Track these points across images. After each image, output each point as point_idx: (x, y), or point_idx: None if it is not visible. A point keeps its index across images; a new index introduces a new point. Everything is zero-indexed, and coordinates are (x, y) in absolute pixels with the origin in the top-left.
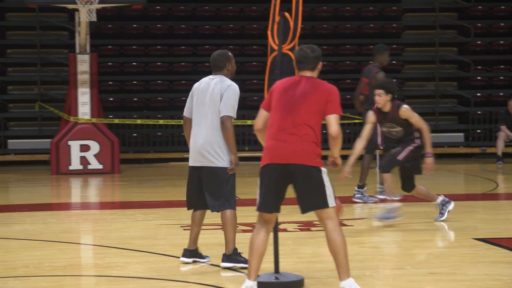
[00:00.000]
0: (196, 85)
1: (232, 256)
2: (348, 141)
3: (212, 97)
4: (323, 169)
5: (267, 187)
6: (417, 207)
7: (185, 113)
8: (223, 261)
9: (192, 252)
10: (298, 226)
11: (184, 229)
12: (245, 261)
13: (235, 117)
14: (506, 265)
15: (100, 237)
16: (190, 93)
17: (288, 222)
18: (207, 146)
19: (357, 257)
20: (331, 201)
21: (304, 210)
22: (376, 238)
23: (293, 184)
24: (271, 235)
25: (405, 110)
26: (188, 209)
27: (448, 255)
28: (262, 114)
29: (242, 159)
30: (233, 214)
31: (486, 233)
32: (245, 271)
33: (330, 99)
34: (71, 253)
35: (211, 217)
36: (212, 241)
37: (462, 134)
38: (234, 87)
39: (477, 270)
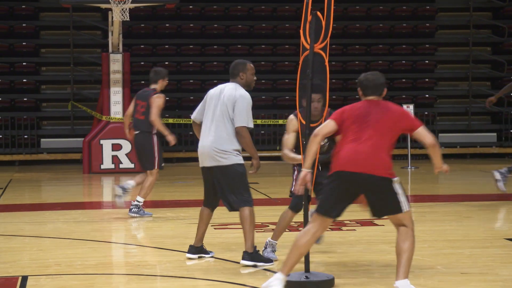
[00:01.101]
0: (210, 91)
1: (253, 254)
2: None
3: (223, 102)
4: (395, 179)
5: (334, 193)
6: (448, 207)
7: (194, 116)
8: (243, 258)
9: (198, 249)
10: (329, 226)
11: (215, 228)
12: (266, 260)
13: (251, 126)
14: None
15: (131, 236)
16: (204, 98)
17: None
18: (214, 146)
19: (388, 256)
20: (406, 206)
21: (377, 216)
22: None
23: (365, 195)
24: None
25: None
26: (204, 205)
27: (480, 255)
28: (330, 125)
29: (273, 158)
30: (251, 211)
31: None
32: (266, 267)
33: (404, 116)
34: (103, 252)
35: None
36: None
37: (495, 134)
38: (246, 95)
39: (509, 271)
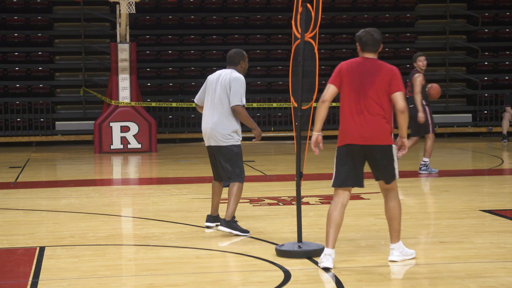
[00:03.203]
0: (209, 76)
1: (231, 222)
2: None
3: (222, 86)
4: (394, 146)
5: (346, 164)
6: (428, 182)
7: (196, 100)
8: (221, 225)
9: (215, 218)
10: (320, 199)
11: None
12: (241, 230)
13: (244, 103)
14: (510, 234)
15: (138, 210)
16: (204, 83)
17: (310, 196)
18: (216, 128)
19: (373, 227)
20: (397, 174)
21: (378, 178)
22: None
23: (369, 160)
24: (295, 208)
25: None
26: (214, 179)
27: (457, 226)
28: (332, 89)
29: (268, 138)
30: (240, 186)
31: (492, 205)
32: (242, 237)
33: (394, 79)
34: (113, 225)
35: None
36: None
37: (470, 115)
38: (241, 77)
39: (483, 239)
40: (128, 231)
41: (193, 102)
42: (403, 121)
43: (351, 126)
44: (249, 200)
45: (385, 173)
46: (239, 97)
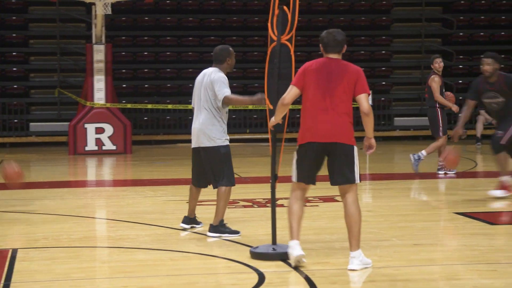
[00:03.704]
0: (198, 77)
1: (219, 227)
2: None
3: (204, 88)
4: (355, 148)
5: (307, 162)
6: (402, 184)
7: (192, 103)
8: (210, 231)
9: (191, 219)
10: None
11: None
12: (230, 231)
13: (230, 93)
14: (483, 237)
15: (113, 211)
16: (194, 85)
17: (285, 198)
18: (202, 130)
19: (346, 230)
20: (358, 178)
21: (335, 183)
22: (365, 213)
23: (329, 159)
24: (269, 210)
25: None
26: (193, 184)
27: (431, 228)
28: (293, 90)
29: (243, 140)
30: (229, 190)
31: (466, 207)
32: (232, 238)
33: (359, 80)
34: (87, 226)
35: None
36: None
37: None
38: (221, 76)
39: (456, 241)
40: (102, 233)
41: (169, 103)
42: (369, 122)
43: (315, 124)
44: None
45: (343, 174)
46: (225, 89)
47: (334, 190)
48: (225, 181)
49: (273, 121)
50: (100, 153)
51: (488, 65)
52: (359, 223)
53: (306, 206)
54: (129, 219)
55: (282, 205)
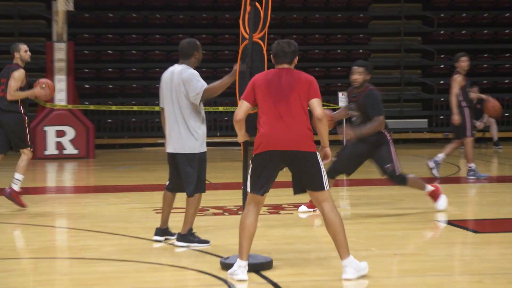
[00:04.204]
0: (163, 75)
1: (187, 236)
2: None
3: (176, 87)
4: (318, 154)
5: (263, 172)
6: (382, 191)
7: (160, 103)
8: (177, 240)
9: (164, 231)
10: (268, 209)
11: (157, 212)
12: (199, 241)
13: (206, 84)
14: (467, 246)
15: (74, 220)
16: (160, 84)
17: None
18: (174, 134)
19: (324, 239)
20: (327, 184)
21: (297, 192)
22: (343, 221)
23: (290, 168)
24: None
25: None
26: (167, 189)
27: (412, 237)
28: (244, 105)
29: (213, 144)
30: (199, 197)
31: (449, 215)
32: (201, 248)
33: (312, 87)
34: (46, 236)
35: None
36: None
37: (426, 120)
38: (192, 71)
39: (440, 251)
40: (63, 243)
41: (134, 105)
42: (323, 129)
43: (272, 132)
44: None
45: (311, 182)
46: (199, 84)
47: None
48: (196, 188)
49: (240, 140)
50: (61, 157)
51: (358, 75)
52: (342, 230)
53: (279, 214)
54: (92, 228)
55: None
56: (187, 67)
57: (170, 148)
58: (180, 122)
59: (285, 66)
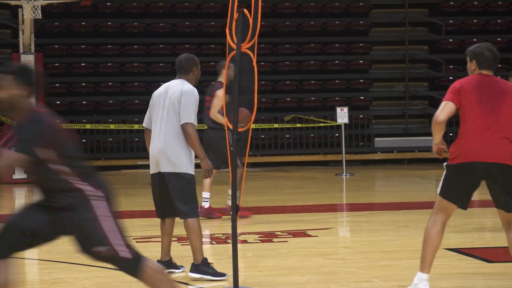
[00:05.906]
0: (155, 92)
1: (201, 267)
2: (312, 146)
3: (171, 100)
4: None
5: (461, 182)
6: (385, 216)
7: (144, 123)
8: (191, 271)
9: (166, 263)
10: (259, 237)
11: (137, 242)
12: (213, 273)
13: (196, 123)
14: (479, 276)
15: (46, 250)
16: (150, 101)
17: (249, 233)
18: (167, 151)
19: (322, 269)
20: None
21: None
22: (342, 250)
23: (488, 182)
24: (230, 247)
25: None
26: (158, 217)
27: (418, 267)
28: (450, 107)
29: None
30: (198, 222)
31: (459, 242)
32: (214, 283)
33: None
34: (15, 269)
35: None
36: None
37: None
38: (193, 91)
39: (449, 282)
40: (34, 276)
41: (111, 123)
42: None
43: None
44: (177, 238)
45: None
46: (190, 114)
47: (306, 224)
48: (192, 213)
49: (436, 144)
50: (31, 182)
51: None
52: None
53: (272, 242)
54: (65, 259)
55: (245, 241)
56: (186, 82)
57: (159, 168)
58: (174, 140)
59: (490, 73)
